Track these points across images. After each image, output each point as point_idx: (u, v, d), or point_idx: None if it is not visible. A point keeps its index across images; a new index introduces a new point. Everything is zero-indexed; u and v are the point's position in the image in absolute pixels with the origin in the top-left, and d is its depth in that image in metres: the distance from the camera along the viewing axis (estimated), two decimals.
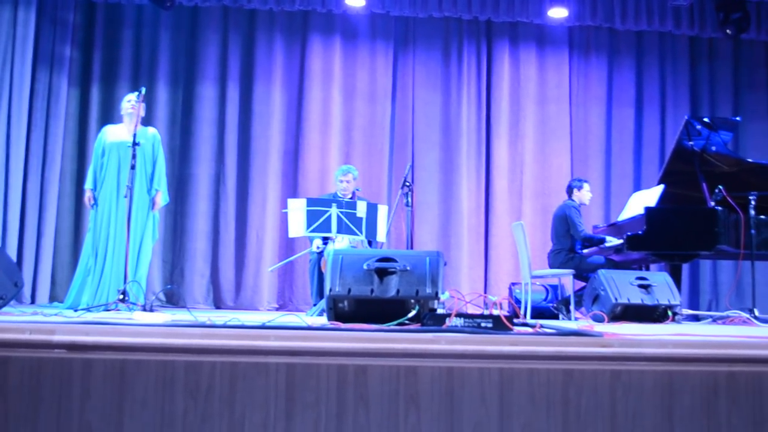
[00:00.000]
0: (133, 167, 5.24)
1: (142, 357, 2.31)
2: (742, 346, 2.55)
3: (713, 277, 8.71)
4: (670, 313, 5.25)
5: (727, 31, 8.23)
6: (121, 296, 4.99)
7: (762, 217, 5.97)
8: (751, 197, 5.97)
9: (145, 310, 4.77)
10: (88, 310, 4.87)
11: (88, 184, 5.84)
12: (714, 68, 9.00)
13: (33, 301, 7.59)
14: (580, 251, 6.75)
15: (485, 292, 8.15)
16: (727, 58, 8.99)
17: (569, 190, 7.07)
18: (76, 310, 4.91)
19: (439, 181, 8.56)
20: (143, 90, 5.60)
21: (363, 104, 8.60)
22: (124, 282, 5.20)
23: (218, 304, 8.17)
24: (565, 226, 6.80)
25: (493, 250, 8.49)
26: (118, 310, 4.89)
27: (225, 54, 8.50)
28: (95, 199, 5.74)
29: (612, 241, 6.50)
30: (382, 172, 8.47)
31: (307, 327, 2.78)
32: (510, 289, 7.67)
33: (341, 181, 6.51)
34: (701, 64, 9.00)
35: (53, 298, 7.74)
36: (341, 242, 5.95)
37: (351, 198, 6.38)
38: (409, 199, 5.85)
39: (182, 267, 8.21)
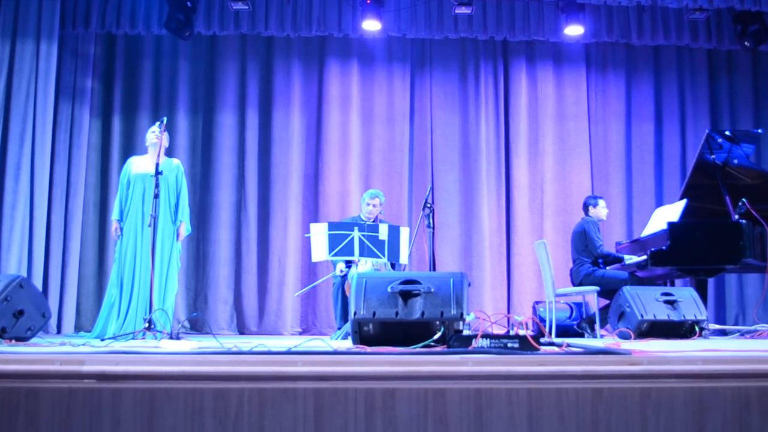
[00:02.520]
0: (156, 196, 5.28)
1: (171, 385, 2.32)
2: None
3: (739, 291, 8.61)
4: (697, 328, 5.20)
5: (745, 43, 8.20)
6: (147, 324, 5.02)
7: None
8: None
9: (171, 337, 4.79)
10: (114, 339, 4.90)
11: (114, 215, 5.89)
12: (733, 81, 8.96)
13: (59, 331, 7.64)
14: (602, 266, 6.72)
15: (509, 312, 8.11)
16: (746, 70, 8.94)
17: (585, 208, 7.08)
18: (102, 340, 4.94)
19: (460, 202, 8.55)
20: (165, 120, 5.66)
21: (381, 127, 8.64)
22: (150, 310, 5.23)
23: (242, 330, 8.19)
24: (584, 242, 6.80)
25: (515, 269, 8.45)
26: (145, 338, 4.92)
27: (243, 81, 8.58)
28: (122, 230, 5.79)
29: (631, 258, 6.46)
30: (402, 194, 8.49)
31: (334, 352, 2.78)
32: (534, 308, 7.63)
33: (368, 204, 6.53)
34: (720, 77, 8.96)
35: (79, 327, 7.80)
36: (364, 265, 5.95)
37: (374, 221, 6.39)
38: (431, 220, 5.84)
39: (205, 294, 8.25)
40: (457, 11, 8.07)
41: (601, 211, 7.04)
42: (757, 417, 2.37)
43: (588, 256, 6.78)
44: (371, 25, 8.05)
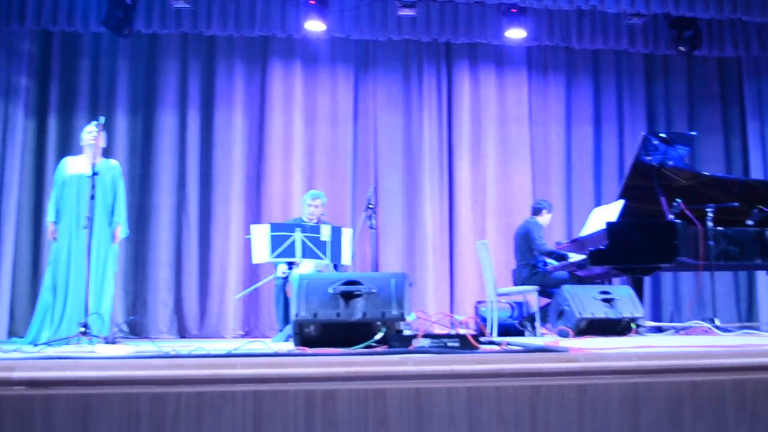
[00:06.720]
0: (92, 197, 5.15)
1: (106, 391, 2.27)
2: (704, 356, 2.59)
3: (674, 289, 8.85)
4: (633, 325, 5.32)
5: (681, 48, 8.43)
6: (83, 329, 4.89)
7: (720, 228, 6.08)
8: (708, 209, 6.09)
9: (107, 342, 4.68)
10: (48, 344, 4.77)
11: (50, 217, 5.70)
12: (669, 84, 9.20)
13: None
14: (544, 267, 6.81)
15: (451, 312, 8.16)
16: (681, 74, 9.19)
17: (537, 210, 7.14)
18: (36, 345, 4.81)
19: (403, 203, 8.58)
20: (102, 119, 5.52)
21: (325, 128, 8.61)
22: (86, 315, 5.10)
23: (183, 334, 8.06)
24: (527, 243, 6.88)
25: (457, 270, 8.51)
26: (80, 343, 4.79)
27: (185, 81, 8.46)
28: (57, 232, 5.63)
29: (573, 256, 6.56)
30: (345, 195, 8.47)
31: (273, 354, 2.76)
32: (476, 307, 7.70)
33: (310, 206, 6.47)
34: (656, 80, 9.20)
35: (12, 333, 7.56)
36: (306, 267, 5.92)
37: (316, 223, 6.36)
38: (373, 221, 5.84)
39: (145, 297, 8.09)
40: (400, 13, 8.07)
41: (547, 219, 7.13)
42: (689, 411, 2.43)
43: (531, 258, 6.86)
44: (315, 26, 8.01)
